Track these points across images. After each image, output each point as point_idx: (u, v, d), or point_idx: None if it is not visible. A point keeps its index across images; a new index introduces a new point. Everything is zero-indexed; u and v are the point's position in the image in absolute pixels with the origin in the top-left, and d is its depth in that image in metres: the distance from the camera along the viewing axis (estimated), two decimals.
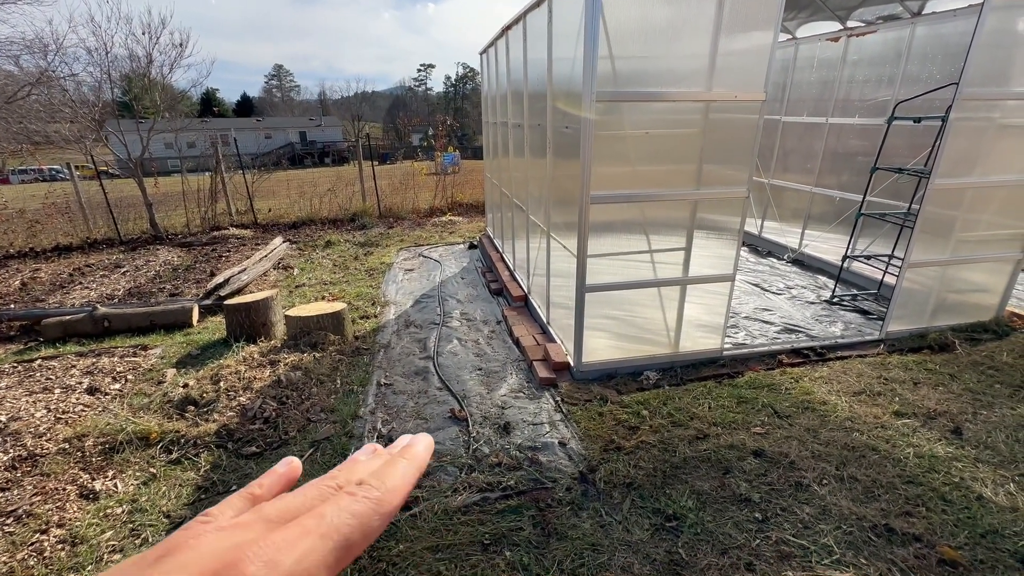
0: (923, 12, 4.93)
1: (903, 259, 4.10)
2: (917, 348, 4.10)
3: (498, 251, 7.11)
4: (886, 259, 5.14)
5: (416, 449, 0.34)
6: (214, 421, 3.46)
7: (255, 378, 3.95)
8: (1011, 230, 4.20)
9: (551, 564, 2.24)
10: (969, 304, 4.45)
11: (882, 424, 3.07)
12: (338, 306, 4.86)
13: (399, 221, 11.83)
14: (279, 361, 4.23)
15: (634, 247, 3.66)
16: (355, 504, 0.26)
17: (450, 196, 13.07)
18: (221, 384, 3.86)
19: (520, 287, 5.63)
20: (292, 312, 4.72)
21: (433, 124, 14.54)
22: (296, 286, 6.92)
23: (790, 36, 6.53)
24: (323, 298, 6.35)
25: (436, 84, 72.56)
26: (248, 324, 4.80)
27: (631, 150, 3.38)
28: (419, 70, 73.73)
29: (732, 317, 4.93)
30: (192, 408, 3.65)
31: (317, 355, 4.38)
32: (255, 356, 4.29)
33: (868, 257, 5.31)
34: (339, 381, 4.04)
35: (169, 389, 3.93)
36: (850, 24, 5.70)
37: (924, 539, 2.23)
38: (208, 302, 5.88)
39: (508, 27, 5.05)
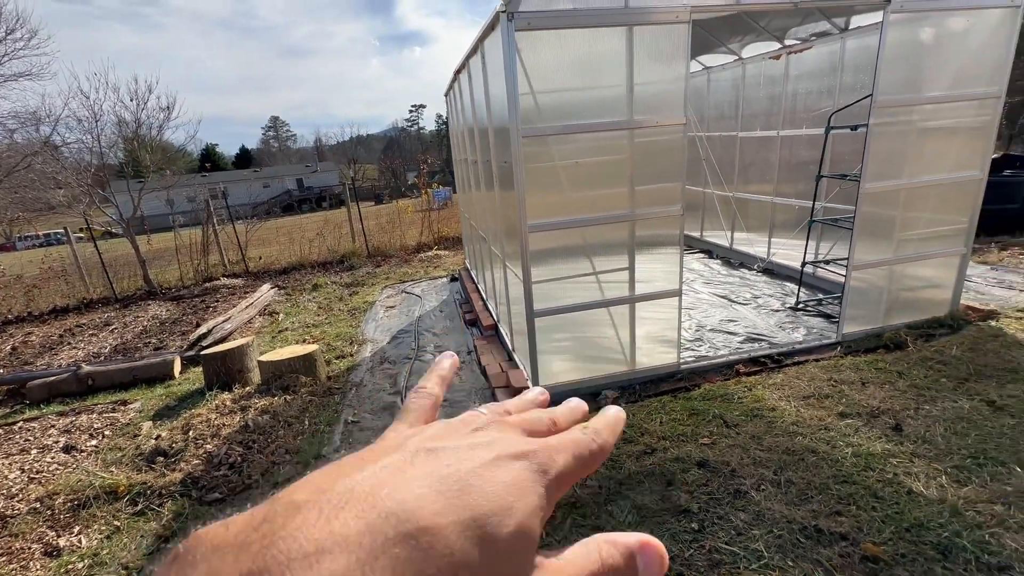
0: (849, 27, 5.18)
1: (848, 260, 4.20)
2: (872, 348, 4.15)
3: (473, 282, 7.27)
4: (845, 262, 5.23)
5: (615, 423, 0.36)
6: (180, 470, 3.55)
7: (224, 425, 4.04)
8: (952, 226, 4.30)
9: None
10: (924, 300, 4.52)
11: (826, 426, 3.11)
12: (310, 348, 4.99)
13: (387, 259, 12.06)
14: (250, 406, 4.33)
15: (579, 270, 3.80)
16: (590, 443, 0.31)
17: (436, 231, 13.34)
18: (190, 433, 3.96)
19: (491, 316, 5.74)
20: (264, 357, 4.85)
21: (419, 163, 14.95)
22: (279, 331, 7.06)
23: (736, 57, 6.83)
24: (305, 341, 6.48)
25: (428, 123, 74.57)
26: (224, 372, 4.92)
27: (564, 179, 3.56)
28: (411, 111, 75.97)
29: (697, 330, 5.01)
30: (161, 459, 3.74)
31: (288, 398, 4.48)
32: (227, 403, 4.40)
33: (827, 262, 5.41)
34: (307, 422, 4.12)
35: (142, 442, 4.02)
36: (788, 42, 5.97)
37: (850, 537, 2.26)
38: (191, 353, 6.02)
39: (458, 71, 5.34)
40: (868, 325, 4.39)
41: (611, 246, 3.80)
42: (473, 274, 7.56)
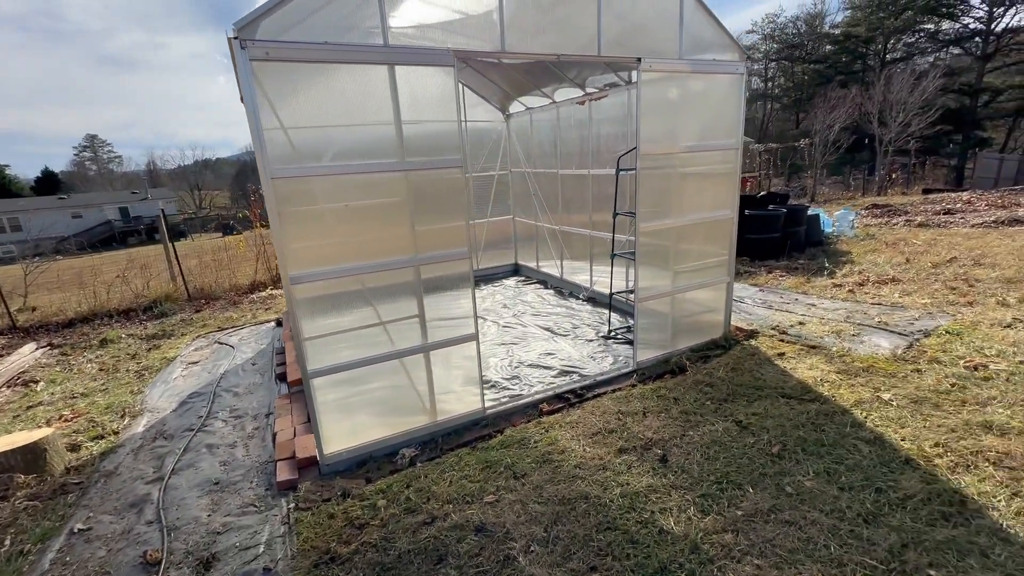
0: (633, 80, 5.75)
1: (634, 292, 4.50)
2: (661, 374, 4.45)
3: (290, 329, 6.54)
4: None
5: None
6: None
7: None
8: (717, 258, 4.87)
9: None
10: (703, 324, 5.03)
11: (604, 465, 3.15)
12: (38, 435, 3.91)
13: (211, 303, 10.57)
14: None
15: (364, 320, 3.47)
16: None
17: (274, 268, 12.09)
18: None
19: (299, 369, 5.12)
20: None
21: (250, 193, 13.56)
22: (29, 406, 5.59)
23: (551, 100, 7.24)
24: (61, 418, 5.19)
25: None
26: None
27: (335, 222, 3.24)
28: None
29: (516, 367, 4.97)
30: None
31: None
32: None
33: (630, 291, 5.81)
34: (8, 542, 3.13)
35: None
36: (588, 90, 6.47)
37: None
38: None
39: (242, 98, 4.78)
40: (659, 351, 4.73)
41: (398, 292, 3.54)
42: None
